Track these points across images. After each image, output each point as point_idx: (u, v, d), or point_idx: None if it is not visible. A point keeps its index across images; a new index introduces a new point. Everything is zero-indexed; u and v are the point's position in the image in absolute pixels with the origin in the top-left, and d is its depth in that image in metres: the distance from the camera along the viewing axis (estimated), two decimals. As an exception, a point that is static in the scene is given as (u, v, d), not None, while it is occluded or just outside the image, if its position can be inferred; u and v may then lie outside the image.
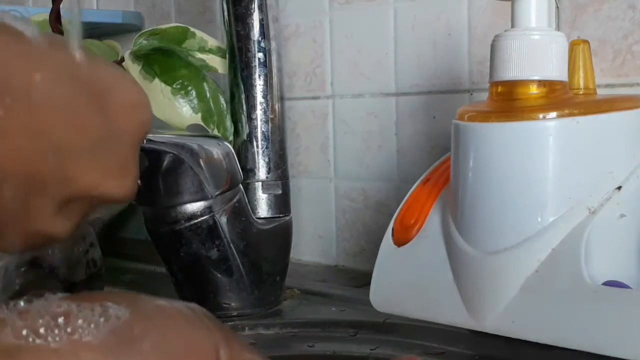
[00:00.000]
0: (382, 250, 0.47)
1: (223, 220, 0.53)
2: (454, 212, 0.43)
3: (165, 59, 0.60)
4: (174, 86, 0.59)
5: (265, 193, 0.57)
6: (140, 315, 0.22)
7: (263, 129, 0.57)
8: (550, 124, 0.39)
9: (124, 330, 0.21)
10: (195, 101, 0.59)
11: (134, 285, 0.66)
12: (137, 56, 0.60)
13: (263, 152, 0.57)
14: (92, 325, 0.21)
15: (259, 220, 0.56)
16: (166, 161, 0.51)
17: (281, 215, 0.58)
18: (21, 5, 1.06)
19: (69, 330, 0.21)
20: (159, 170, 0.51)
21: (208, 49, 0.61)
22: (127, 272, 0.71)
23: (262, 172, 0.57)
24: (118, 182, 0.24)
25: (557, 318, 0.38)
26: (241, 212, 0.54)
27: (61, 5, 0.52)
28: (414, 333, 0.48)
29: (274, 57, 0.58)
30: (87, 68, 0.23)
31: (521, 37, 0.40)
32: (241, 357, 0.25)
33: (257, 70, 0.57)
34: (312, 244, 0.72)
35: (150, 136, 0.50)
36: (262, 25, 0.57)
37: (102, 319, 0.21)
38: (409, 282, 0.45)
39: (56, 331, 0.20)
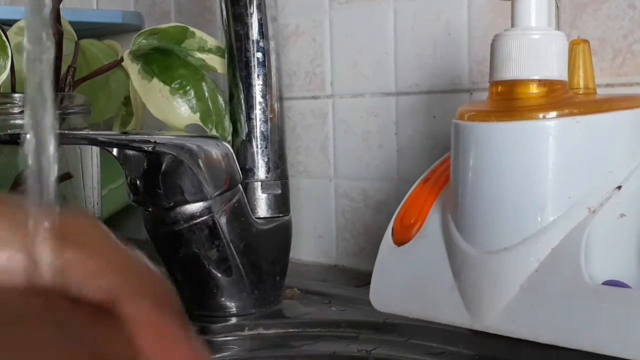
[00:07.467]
0: (382, 249, 0.47)
1: (222, 220, 0.53)
2: (454, 211, 0.43)
3: (164, 59, 0.60)
4: (173, 86, 0.59)
5: (264, 193, 0.57)
6: None
7: (262, 129, 0.57)
8: (550, 124, 0.39)
9: None
10: (194, 101, 0.59)
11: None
12: (136, 55, 0.60)
13: (262, 151, 0.57)
14: None
15: (259, 220, 0.56)
16: (165, 162, 0.51)
17: (281, 215, 0.58)
18: (21, 5, 1.06)
19: None
20: (158, 171, 0.51)
21: (207, 49, 0.61)
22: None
23: (261, 172, 0.57)
24: None
25: (557, 318, 0.38)
26: (240, 212, 0.54)
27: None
28: (414, 333, 0.48)
29: (272, 57, 0.58)
30: None
31: (521, 36, 0.40)
32: None
33: (256, 70, 0.57)
34: (312, 243, 0.71)
35: (148, 137, 0.50)
36: (260, 25, 0.57)
37: None
38: (409, 281, 0.45)
39: None
